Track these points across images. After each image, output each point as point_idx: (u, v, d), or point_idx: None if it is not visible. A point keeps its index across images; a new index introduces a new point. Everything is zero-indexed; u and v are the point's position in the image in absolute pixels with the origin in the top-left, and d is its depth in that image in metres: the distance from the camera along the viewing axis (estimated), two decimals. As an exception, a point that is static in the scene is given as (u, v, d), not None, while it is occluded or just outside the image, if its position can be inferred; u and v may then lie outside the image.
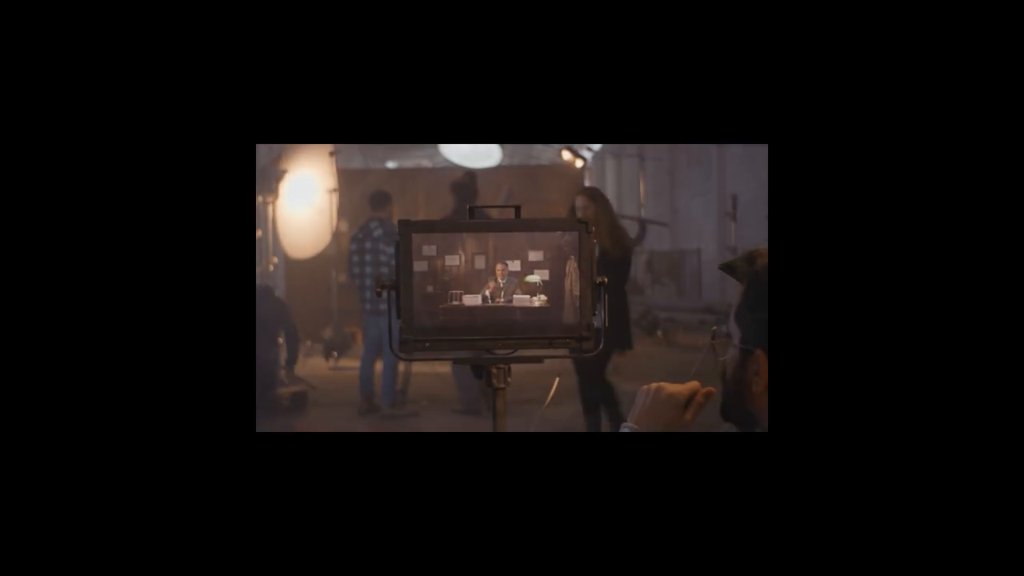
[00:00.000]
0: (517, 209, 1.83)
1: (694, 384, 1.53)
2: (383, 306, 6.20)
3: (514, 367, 1.87)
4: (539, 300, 1.77)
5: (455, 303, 1.78)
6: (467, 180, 6.67)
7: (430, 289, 1.77)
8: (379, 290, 1.80)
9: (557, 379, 1.77)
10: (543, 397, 2.42)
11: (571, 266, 1.75)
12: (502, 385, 1.79)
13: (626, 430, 1.55)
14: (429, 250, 1.77)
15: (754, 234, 7.31)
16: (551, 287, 1.77)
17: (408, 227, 1.77)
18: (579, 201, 5.03)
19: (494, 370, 1.79)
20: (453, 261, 1.77)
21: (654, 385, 1.52)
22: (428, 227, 1.79)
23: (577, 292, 1.75)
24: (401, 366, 6.68)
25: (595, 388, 4.83)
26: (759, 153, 9.10)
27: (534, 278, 1.76)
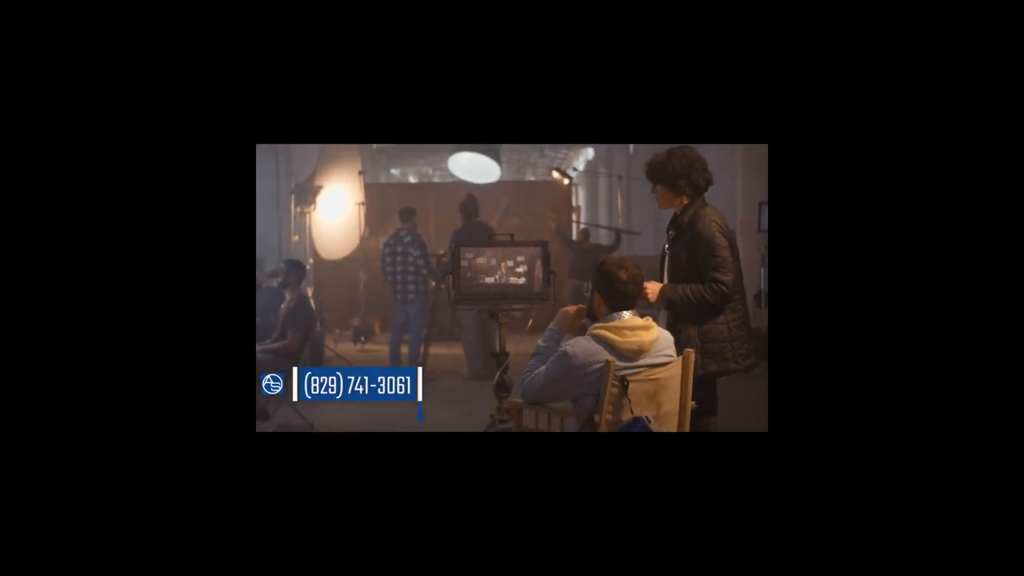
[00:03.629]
0: (512, 236, 3.57)
1: (580, 305, 3.15)
2: (411, 296, 8.01)
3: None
4: (522, 280, 3.43)
5: (481, 281, 3.45)
6: (470, 201, 7.98)
7: (468, 274, 3.44)
8: (444, 275, 3.61)
9: (533, 313, 3.56)
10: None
11: (537, 264, 3.42)
12: (504, 321, 3.50)
13: (553, 327, 3.27)
14: (468, 255, 3.45)
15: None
16: (528, 275, 3.43)
17: (458, 243, 3.51)
18: None
19: (500, 313, 3.51)
20: (480, 260, 3.44)
21: (562, 309, 3.22)
22: (467, 243, 3.54)
23: (540, 277, 3.42)
24: (422, 347, 8.30)
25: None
26: (730, 162, 10.62)
27: (519, 269, 3.44)
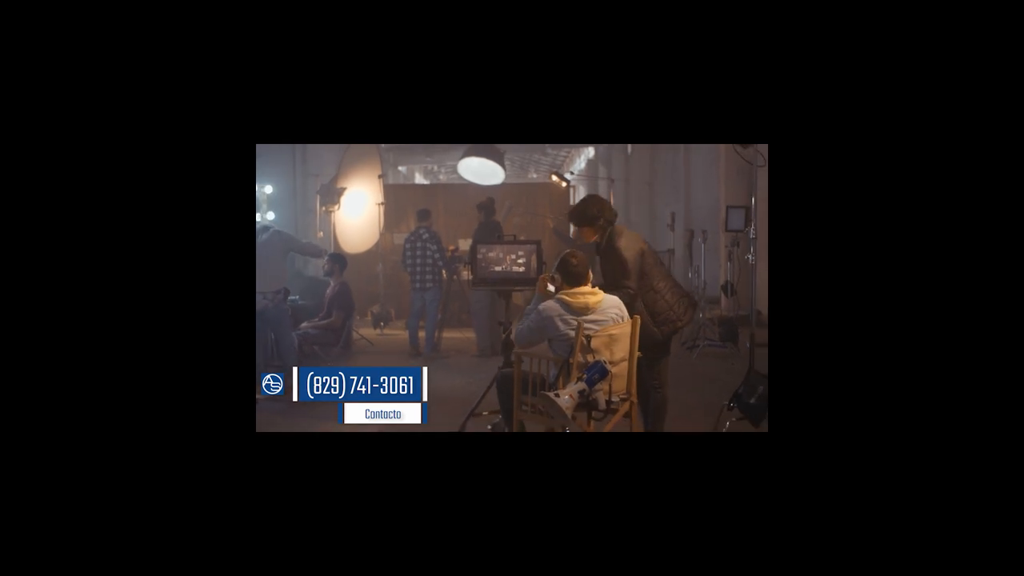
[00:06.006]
0: (515, 236, 4.25)
1: (547, 273, 3.77)
2: (429, 285, 7.96)
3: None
4: (522, 269, 4.11)
5: (492, 269, 4.13)
6: (488, 203, 8.16)
7: (483, 264, 4.14)
8: (462, 267, 4.64)
9: (530, 293, 3.75)
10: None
11: (533, 257, 4.12)
12: (508, 299, 4.21)
13: (536, 295, 3.80)
14: (483, 250, 4.14)
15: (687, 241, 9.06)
16: (526, 265, 4.13)
17: (476, 242, 4.19)
18: None
19: (505, 293, 4.20)
20: (491, 254, 4.14)
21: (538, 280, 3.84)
22: (483, 242, 4.19)
23: (535, 267, 4.15)
24: (436, 332, 8.40)
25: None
26: (713, 171, 10.55)
27: (520, 261, 4.12)
